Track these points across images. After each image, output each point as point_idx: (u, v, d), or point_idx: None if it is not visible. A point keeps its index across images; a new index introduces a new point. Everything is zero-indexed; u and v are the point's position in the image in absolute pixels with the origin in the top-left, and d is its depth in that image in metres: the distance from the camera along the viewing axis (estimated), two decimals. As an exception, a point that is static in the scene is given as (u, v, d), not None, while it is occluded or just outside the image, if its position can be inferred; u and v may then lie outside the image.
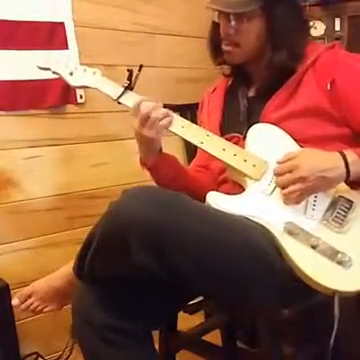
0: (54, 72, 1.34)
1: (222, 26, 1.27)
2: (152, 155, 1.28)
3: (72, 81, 1.33)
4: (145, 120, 1.21)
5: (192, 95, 1.86)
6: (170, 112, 1.25)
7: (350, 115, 1.21)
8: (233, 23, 1.23)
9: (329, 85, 1.20)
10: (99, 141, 1.97)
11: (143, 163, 1.31)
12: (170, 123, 1.24)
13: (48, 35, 1.79)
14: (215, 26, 1.31)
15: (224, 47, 1.29)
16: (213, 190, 1.19)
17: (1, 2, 1.68)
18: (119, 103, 1.29)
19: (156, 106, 1.22)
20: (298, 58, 1.24)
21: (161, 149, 1.30)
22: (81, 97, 1.89)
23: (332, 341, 1.04)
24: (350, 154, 1.12)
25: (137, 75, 1.29)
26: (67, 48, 1.83)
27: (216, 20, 1.29)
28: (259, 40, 1.25)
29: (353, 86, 1.20)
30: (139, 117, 1.21)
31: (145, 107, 1.21)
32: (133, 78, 1.29)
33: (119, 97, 1.28)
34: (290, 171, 1.11)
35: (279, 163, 1.15)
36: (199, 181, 1.39)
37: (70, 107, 1.88)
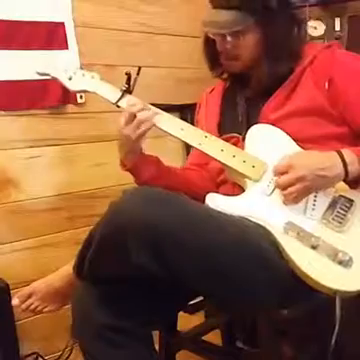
0: (53, 77, 1.35)
1: (218, 43, 1.27)
2: (132, 155, 1.27)
3: (71, 86, 1.33)
4: (130, 120, 1.21)
5: (192, 95, 1.86)
6: (165, 115, 1.25)
7: (349, 113, 1.21)
8: (229, 39, 1.24)
9: (327, 84, 1.20)
10: (99, 141, 1.97)
11: (123, 164, 1.30)
12: (151, 125, 1.23)
13: (48, 35, 1.79)
14: (209, 40, 1.31)
15: (223, 61, 1.30)
16: (207, 189, 1.19)
17: (1, 2, 1.68)
18: (118, 106, 1.29)
19: (143, 108, 1.22)
20: (297, 60, 1.25)
21: (141, 150, 1.29)
22: (81, 97, 1.89)
23: (333, 341, 1.04)
24: (347, 153, 1.12)
25: (135, 78, 1.28)
26: (67, 48, 1.84)
27: (210, 36, 1.29)
28: (257, 51, 1.25)
29: (351, 84, 1.20)
30: (126, 116, 1.21)
31: (132, 107, 1.22)
32: (131, 81, 1.28)
33: (118, 101, 1.28)
34: (288, 171, 1.11)
35: (277, 164, 1.15)
36: (187, 179, 1.38)
37: (70, 107, 1.89)
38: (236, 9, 1.19)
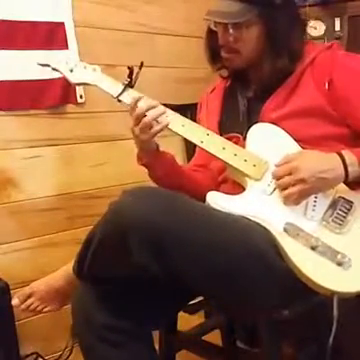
0: (54, 69, 1.34)
1: (220, 35, 1.27)
2: (146, 153, 1.28)
3: (72, 78, 1.32)
4: (139, 121, 1.19)
5: (192, 95, 1.85)
6: (168, 112, 1.23)
7: (349, 114, 1.21)
8: (231, 31, 1.23)
9: (327, 85, 1.20)
10: (99, 141, 1.97)
11: (139, 158, 1.31)
12: (163, 127, 1.21)
13: (48, 35, 1.79)
14: (212, 33, 1.31)
15: (224, 54, 1.30)
16: (212, 189, 1.19)
17: (1, 2, 1.68)
18: (119, 101, 1.27)
19: (151, 106, 1.20)
20: (298, 59, 1.25)
21: (158, 147, 1.29)
22: (81, 97, 1.89)
23: (331, 341, 1.04)
24: (348, 155, 1.12)
25: (138, 73, 1.27)
26: (67, 48, 1.84)
27: (213, 28, 1.29)
28: (259, 45, 1.25)
29: (351, 85, 1.21)
30: (133, 117, 1.20)
31: (140, 108, 1.19)
32: (133, 76, 1.27)
33: (119, 95, 1.26)
34: (290, 173, 1.11)
35: (278, 165, 1.15)
36: (195, 180, 1.38)
37: (70, 107, 1.89)
38: (241, 1, 1.19)
